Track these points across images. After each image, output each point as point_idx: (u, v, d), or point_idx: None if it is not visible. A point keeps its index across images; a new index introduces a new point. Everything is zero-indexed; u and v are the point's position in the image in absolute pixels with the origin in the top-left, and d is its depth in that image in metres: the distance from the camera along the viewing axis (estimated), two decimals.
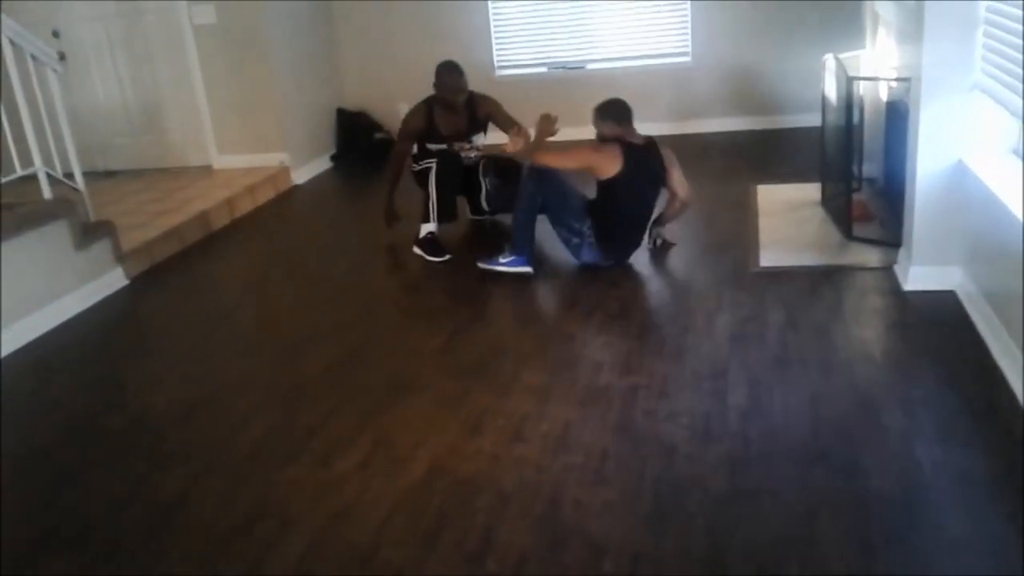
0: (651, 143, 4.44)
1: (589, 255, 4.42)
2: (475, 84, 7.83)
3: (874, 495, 2.50)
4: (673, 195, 4.59)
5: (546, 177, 4.39)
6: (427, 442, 2.99)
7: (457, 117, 5.01)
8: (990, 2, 3.32)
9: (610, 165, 4.27)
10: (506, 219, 4.82)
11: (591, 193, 4.46)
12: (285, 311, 4.39)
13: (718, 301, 3.93)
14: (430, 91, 5.01)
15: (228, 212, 5.93)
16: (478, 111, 5.06)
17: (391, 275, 4.69)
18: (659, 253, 4.60)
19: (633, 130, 4.42)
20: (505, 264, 4.40)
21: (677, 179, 4.53)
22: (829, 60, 4.77)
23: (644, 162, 4.36)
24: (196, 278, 5.01)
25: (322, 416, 3.25)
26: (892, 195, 4.51)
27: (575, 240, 4.41)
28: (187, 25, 6.54)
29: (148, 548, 2.60)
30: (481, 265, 4.49)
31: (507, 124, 4.95)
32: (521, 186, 4.48)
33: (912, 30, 3.83)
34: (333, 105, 7.56)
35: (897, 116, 4.39)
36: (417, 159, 5.10)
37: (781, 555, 2.30)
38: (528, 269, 4.40)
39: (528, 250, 4.44)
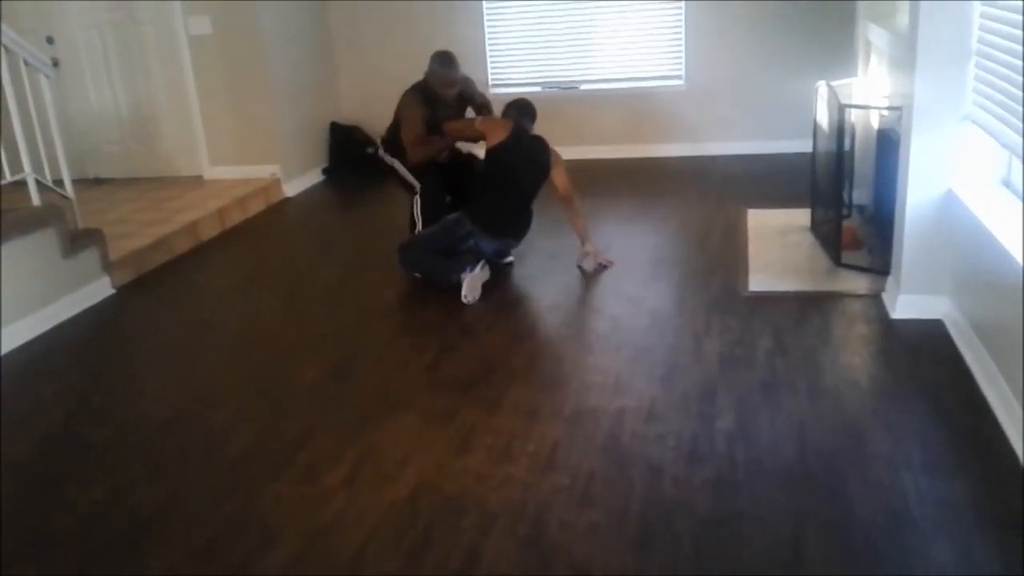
0: (541, 139, 4.78)
1: (487, 246, 4.62)
2: None
3: (859, 521, 2.50)
4: (554, 188, 4.79)
5: (413, 245, 4.74)
6: (414, 459, 2.98)
7: (447, 109, 4.90)
8: (982, 33, 3.35)
9: (498, 132, 4.63)
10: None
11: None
12: (273, 324, 4.37)
13: (707, 324, 3.94)
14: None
15: (218, 223, 5.92)
16: (472, 105, 5.06)
17: (381, 289, 4.68)
18: (594, 275, 4.65)
19: (529, 126, 4.78)
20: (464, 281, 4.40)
21: (560, 175, 4.78)
22: (821, 87, 4.80)
23: (529, 145, 4.71)
24: (184, 288, 4.99)
25: (308, 430, 3.23)
26: (881, 223, 4.53)
27: (471, 241, 4.57)
28: (183, 35, 6.54)
29: (128, 559, 2.57)
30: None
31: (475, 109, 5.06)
32: (412, 260, 4.69)
33: (904, 59, 3.86)
34: (327, 119, 7.56)
35: (888, 144, 4.42)
36: (393, 150, 4.98)
37: None
38: (467, 275, 4.39)
39: (454, 270, 4.44)
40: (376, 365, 3.78)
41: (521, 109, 4.80)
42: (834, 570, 2.32)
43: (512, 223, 4.73)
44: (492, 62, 7.50)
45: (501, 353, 3.84)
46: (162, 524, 2.73)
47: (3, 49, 4.42)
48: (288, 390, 3.60)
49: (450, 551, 2.48)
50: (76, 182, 5.01)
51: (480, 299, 4.40)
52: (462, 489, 2.79)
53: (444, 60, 4.86)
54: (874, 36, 5.02)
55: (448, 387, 3.52)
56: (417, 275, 4.72)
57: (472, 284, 4.40)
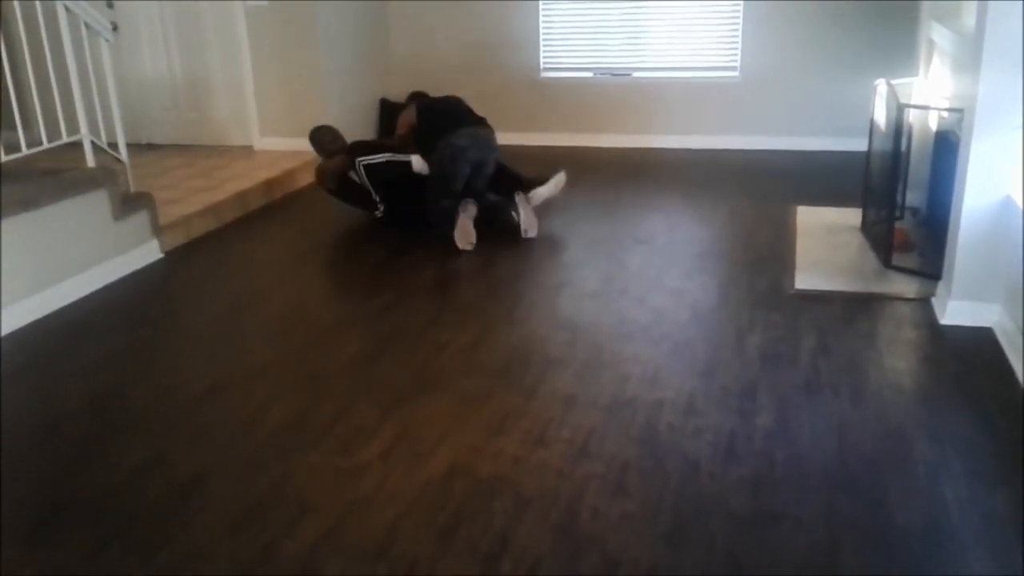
0: (451, 97, 5.43)
1: (465, 145, 5.05)
2: (519, 85, 7.86)
3: (898, 528, 2.47)
4: None
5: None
6: (449, 439, 2.99)
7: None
8: None
9: (408, 115, 5.32)
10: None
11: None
12: (314, 297, 4.40)
13: (751, 320, 3.90)
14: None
15: (266, 194, 5.97)
16: None
17: (422, 269, 4.69)
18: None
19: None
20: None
21: None
22: (881, 85, 4.71)
23: (437, 106, 5.36)
24: (229, 257, 5.04)
25: (345, 405, 3.25)
26: (935, 226, 4.45)
27: (447, 152, 4.99)
28: (240, 6, 6.58)
29: (164, 524, 2.60)
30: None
31: None
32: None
33: (968, 61, 3.77)
34: (377, 95, 7.58)
35: (946, 146, 4.33)
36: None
37: None
38: (458, 219, 4.89)
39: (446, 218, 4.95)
40: (415, 344, 3.79)
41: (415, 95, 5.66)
42: None
43: (470, 125, 5.16)
44: (545, 46, 7.46)
45: (540, 338, 3.83)
46: (200, 491, 2.77)
47: (65, 11, 4.48)
48: (327, 365, 3.62)
49: (481, 533, 2.49)
50: (128, 146, 5.07)
51: (521, 283, 4.40)
52: (496, 472, 2.79)
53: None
54: (937, 35, 4.90)
55: (485, 370, 3.52)
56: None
57: (462, 232, 4.83)
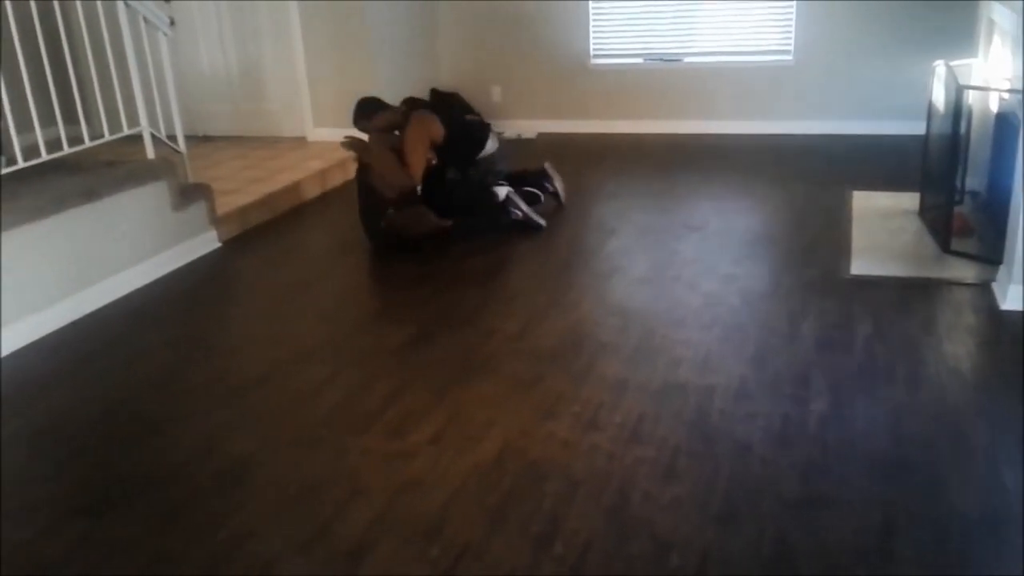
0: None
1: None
2: (569, 72, 7.82)
3: (954, 514, 2.43)
4: None
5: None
6: (500, 422, 3.01)
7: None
8: None
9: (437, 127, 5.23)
10: None
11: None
12: (366, 284, 4.46)
13: (804, 306, 3.86)
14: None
15: (319, 184, 6.04)
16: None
17: (473, 255, 4.72)
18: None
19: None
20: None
21: None
22: (939, 67, 4.61)
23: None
24: (284, 246, 5.12)
25: (396, 390, 3.29)
26: (995, 210, 4.35)
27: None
28: None
29: (220, 502, 2.67)
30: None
31: None
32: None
33: None
34: (428, 84, 7.61)
35: (1007, 128, 4.23)
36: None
37: (853, 567, 2.25)
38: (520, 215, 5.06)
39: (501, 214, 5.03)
40: (466, 329, 3.82)
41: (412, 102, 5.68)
42: (925, 563, 2.25)
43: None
44: (595, 32, 7.43)
45: (590, 324, 3.83)
46: (253, 472, 2.83)
47: (125, 6, 4.59)
48: (378, 351, 3.67)
49: (532, 516, 2.51)
50: (186, 138, 5.17)
51: (572, 269, 4.41)
52: (547, 455, 2.81)
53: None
54: (997, 15, 4.78)
55: (536, 354, 3.54)
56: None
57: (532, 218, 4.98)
